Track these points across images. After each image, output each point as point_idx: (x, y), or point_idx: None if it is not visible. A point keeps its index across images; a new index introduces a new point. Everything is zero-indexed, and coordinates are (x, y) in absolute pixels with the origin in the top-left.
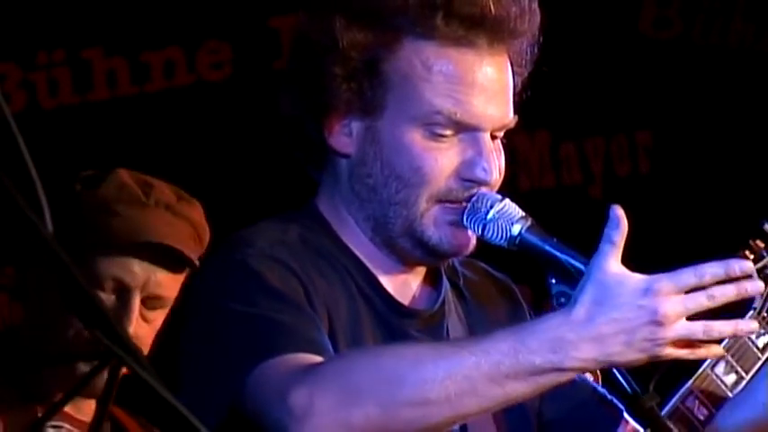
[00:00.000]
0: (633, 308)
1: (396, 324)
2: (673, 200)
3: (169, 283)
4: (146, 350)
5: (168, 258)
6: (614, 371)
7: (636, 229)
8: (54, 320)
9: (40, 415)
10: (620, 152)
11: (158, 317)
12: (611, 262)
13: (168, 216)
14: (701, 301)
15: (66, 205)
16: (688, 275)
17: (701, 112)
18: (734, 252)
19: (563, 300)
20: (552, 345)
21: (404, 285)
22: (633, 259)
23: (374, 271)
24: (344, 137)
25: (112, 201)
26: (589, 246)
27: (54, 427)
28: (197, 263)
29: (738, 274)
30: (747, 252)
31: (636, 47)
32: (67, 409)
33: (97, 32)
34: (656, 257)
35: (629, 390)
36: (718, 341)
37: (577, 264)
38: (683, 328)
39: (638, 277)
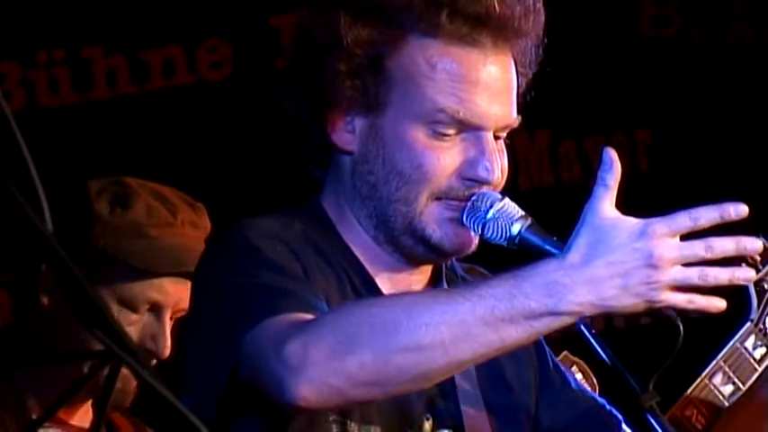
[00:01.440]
0: (628, 250)
1: None
2: (672, 197)
3: None
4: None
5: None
6: (614, 371)
7: None
8: (53, 319)
9: (34, 416)
10: (619, 150)
11: (172, 322)
12: (606, 205)
13: (193, 232)
14: (697, 248)
15: (90, 227)
16: (683, 218)
17: (700, 110)
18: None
19: None
20: (547, 289)
21: (405, 287)
22: None
23: (373, 272)
24: (347, 134)
25: (145, 225)
26: None
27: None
28: None
29: (733, 216)
30: (743, 265)
31: (635, 45)
32: (60, 413)
33: (97, 31)
34: None
35: (630, 387)
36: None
37: None
38: (679, 272)
39: (632, 221)
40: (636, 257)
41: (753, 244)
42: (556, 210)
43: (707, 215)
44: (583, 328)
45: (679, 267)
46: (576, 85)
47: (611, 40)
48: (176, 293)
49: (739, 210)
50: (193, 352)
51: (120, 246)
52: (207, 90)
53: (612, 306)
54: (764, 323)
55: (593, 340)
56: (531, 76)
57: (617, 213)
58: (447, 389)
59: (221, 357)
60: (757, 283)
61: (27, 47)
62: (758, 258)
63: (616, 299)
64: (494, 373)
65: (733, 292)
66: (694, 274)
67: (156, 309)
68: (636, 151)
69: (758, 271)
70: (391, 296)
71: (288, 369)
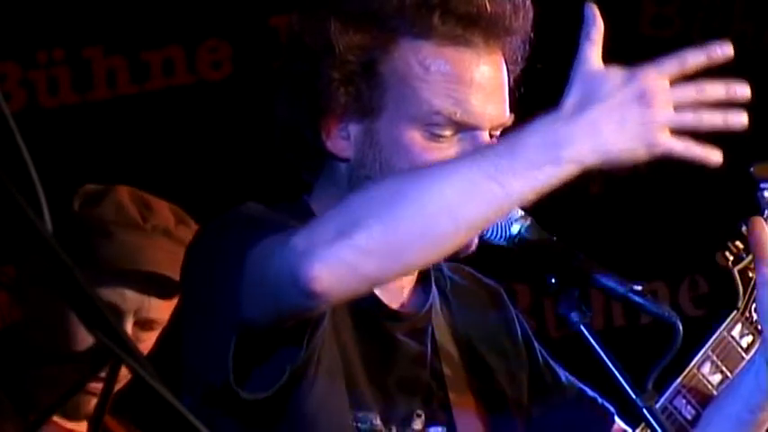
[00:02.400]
0: (621, 93)
1: (379, 326)
2: (673, 198)
3: (162, 308)
4: None
5: (163, 286)
6: (613, 370)
7: (635, 227)
8: (51, 319)
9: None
10: None
11: (151, 337)
12: (593, 58)
13: (165, 242)
14: (688, 90)
15: (63, 222)
16: (669, 61)
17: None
18: (713, 254)
19: (562, 299)
20: (546, 139)
21: (394, 289)
22: (633, 257)
23: None
24: (342, 140)
25: (109, 222)
26: (587, 244)
27: None
28: None
29: (720, 54)
30: (727, 254)
31: (636, 45)
32: (55, 417)
33: (97, 31)
34: (656, 254)
35: (626, 388)
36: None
37: (577, 263)
38: (674, 113)
39: (621, 69)
40: (627, 95)
41: (742, 90)
42: (555, 209)
43: (693, 57)
44: (582, 327)
45: (673, 111)
46: None
47: (611, 39)
48: (136, 300)
49: (725, 49)
50: (192, 325)
51: (80, 241)
52: (207, 90)
53: (611, 151)
54: (750, 311)
55: (592, 339)
56: (519, 72)
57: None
58: (439, 379)
59: (227, 310)
60: (742, 272)
61: (27, 47)
62: (741, 246)
63: (614, 142)
64: (482, 367)
65: (719, 281)
66: (689, 116)
67: (116, 314)
68: None
69: (742, 260)
70: (390, 176)
71: (297, 254)
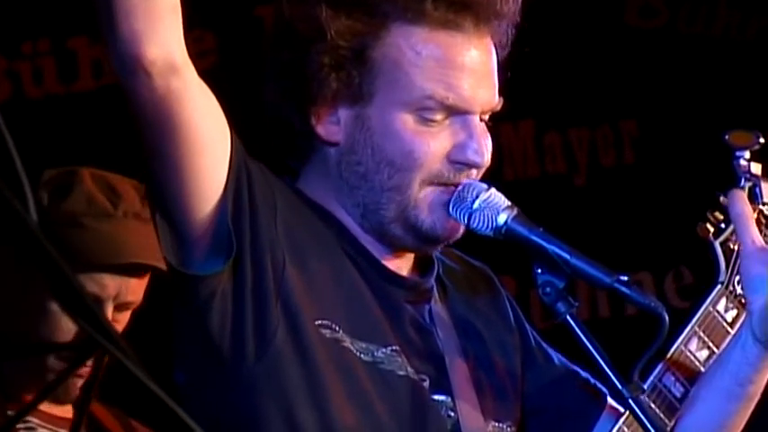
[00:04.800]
0: None
1: (383, 287)
2: (658, 190)
3: (138, 288)
4: None
5: (137, 269)
6: (599, 361)
7: (620, 218)
8: (33, 307)
9: (10, 413)
10: (604, 142)
11: (126, 316)
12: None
13: (137, 225)
14: None
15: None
16: None
17: (686, 101)
18: (692, 226)
19: (548, 289)
20: None
21: (395, 267)
22: (618, 248)
23: (364, 243)
24: (333, 125)
25: (81, 214)
26: (573, 235)
27: (27, 428)
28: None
29: None
30: (708, 225)
31: (621, 36)
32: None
33: (82, 22)
34: (642, 245)
35: (612, 379)
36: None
37: (563, 254)
38: None
39: None
40: None
41: None
42: (541, 201)
43: None
44: (568, 318)
45: None
46: (562, 77)
47: (596, 31)
48: (115, 287)
49: None
50: None
51: (54, 237)
52: None
53: None
54: (734, 285)
55: (578, 330)
56: (506, 56)
57: None
58: (438, 354)
59: None
60: (723, 244)
61: (12, 38)
62: (720, 217)
63: None
64: (477, 348)
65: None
66: None
67: (97, 303)
68: (622, 143)
69: (722, 231)
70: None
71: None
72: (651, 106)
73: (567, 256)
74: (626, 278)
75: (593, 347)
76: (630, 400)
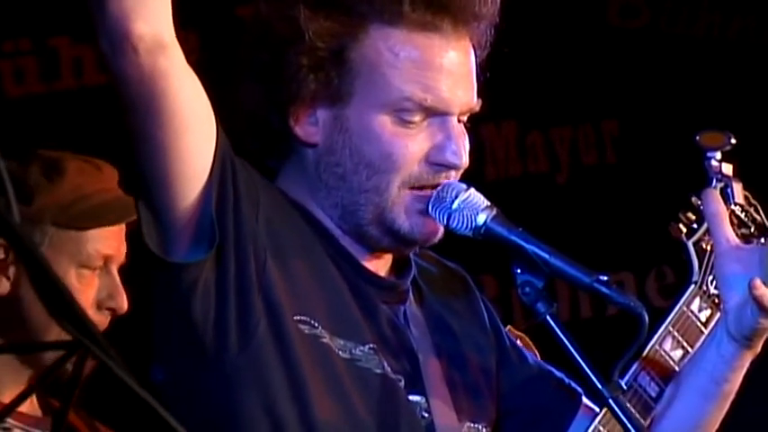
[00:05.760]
0: None
1: (361, 287)
2: (640, 189)
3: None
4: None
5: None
6: (580, 361)
7: (602, 218)
8: (11, 305)
9: None
10: (586, 141)
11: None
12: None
13: (117, 178)
14: None
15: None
16: None
17: (667, 101)
18: (656, 231)
19: (528, 289)
20: None
21: (373, 266)
22: (600, 247)
23: (343, 243)
24: (311, 126)
25: (80, 185)
26: (555, 235)
27: (3, 428)
28: None
29: None
30: (681, 226)
31: (603, 36)
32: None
33: (64, 21)
34: (623, 245)
35: (592, 379)
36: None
37: (542, 253)
38: None
39: None
40: None
41: None
42: (522, 200)
43: None
44: (549, 318)
45: None
46: (544, 76)
47: (578, 31)
48: (121, 244)
49: None
50: None
51: (66, 212)
52: None
53: None
54: (707, 284)
55: (558, 330)
56: (484, 57)
57: None
58: (412, 355)
59: None
60: (696, 244)
61: None
62: (693, 218)
63: None
64: (452, 349)
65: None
66: None
67: (106, 264)
68: (603, 143)
69: (695, 232)
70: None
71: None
72: (633, 106)
73: (547, 256)
74: (606, 278)
75: (573, 347)
76: (610, 400)
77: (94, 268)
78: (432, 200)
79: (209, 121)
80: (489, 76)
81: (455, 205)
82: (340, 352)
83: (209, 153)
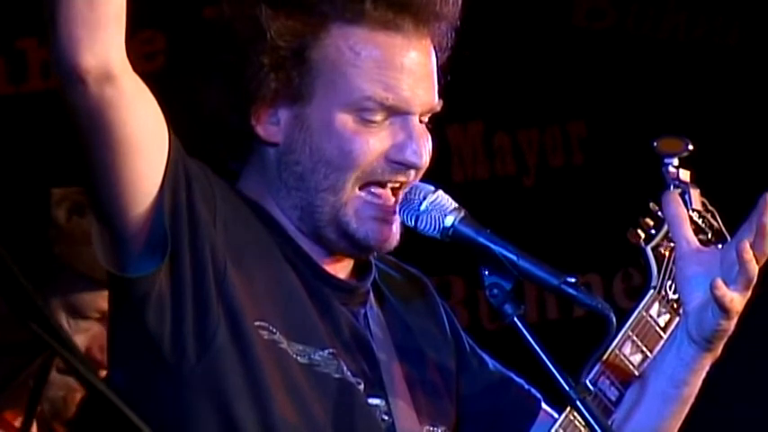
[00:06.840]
0: None
1: (320, 290)
2: (607, 190)
3: None
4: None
5: None
6: (547, 362)
7: (569, 219)
8: None
9: None
10: (553, 143)
11: None
12: None
13: None
14: None
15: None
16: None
17: (634, 102)
18: (623, 233)
19: (495, 291)
20: None
21: (331, 270)
22: (567, 249)
23: (302, 245)
24: (272, 125)
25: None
26: (523, 236)
27: None
28: None
29: None
30: (639, 231)
31: (569, 37)
32: (6, 415)
33: (32, 23)
34: (590, 247)
35: (560, 381)
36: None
37: (510, 255)
38: None
39: None
40: None
41: None
42: (490, 202)
43: None
44: (516, 320)
45: None
46: (510, 78)
47: (544, 32)
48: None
49: None
50: None
51: (71, 253)
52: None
53: None
54: (666, 289)
55: (526, 332)
56: (446, 59)
57: None
58: (372, 359)
59: None
60: (654, 249)
61: None
62: (651, 223)
63: None
64: (412, 352)
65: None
66: None
67: (105, 318)
68: (570, 144)
69: (653, 237)
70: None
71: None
72: (599, 107)
73: (514, 258)
74: (573, 279)
75: (541, 349)
76: (578, 402)
77: (87, 319)
78: (400, 202)
79: (161, 140)
80: (456, 77)
81: (423, 207)
82: (298, 357)
83: (159, 170)
